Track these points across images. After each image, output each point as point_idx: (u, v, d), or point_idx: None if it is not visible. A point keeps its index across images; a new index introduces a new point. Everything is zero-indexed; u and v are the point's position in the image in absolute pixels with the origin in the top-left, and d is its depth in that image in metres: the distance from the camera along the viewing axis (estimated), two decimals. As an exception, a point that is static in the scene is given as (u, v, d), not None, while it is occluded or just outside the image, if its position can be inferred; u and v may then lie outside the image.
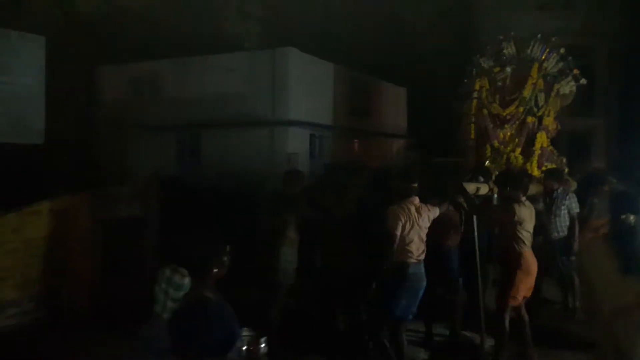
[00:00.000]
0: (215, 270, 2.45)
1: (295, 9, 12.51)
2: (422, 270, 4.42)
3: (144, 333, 2.62)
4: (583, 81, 7.61)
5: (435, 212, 4.57)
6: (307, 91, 11.66)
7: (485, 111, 7.70)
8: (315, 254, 5.52)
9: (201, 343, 2.26)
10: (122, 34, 12.12)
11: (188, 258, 2.50)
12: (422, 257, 4.44)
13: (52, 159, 9.31)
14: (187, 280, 2.47)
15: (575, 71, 7.59)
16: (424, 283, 4.43)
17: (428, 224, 4.49)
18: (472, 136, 7.83)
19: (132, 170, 10.47)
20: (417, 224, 4.36)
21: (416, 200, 4.43)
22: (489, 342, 5.04)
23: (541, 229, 5.60)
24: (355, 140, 13.42)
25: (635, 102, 14.27)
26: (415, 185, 4.44)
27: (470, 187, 5.24)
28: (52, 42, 9.00)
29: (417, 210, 4.40)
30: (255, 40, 11.52)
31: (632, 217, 4.57)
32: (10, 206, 5.31)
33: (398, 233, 4.29)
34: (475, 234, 5.12)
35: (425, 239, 4.46)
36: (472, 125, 7.83)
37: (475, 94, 7.72)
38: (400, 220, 4.30)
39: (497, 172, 6.96)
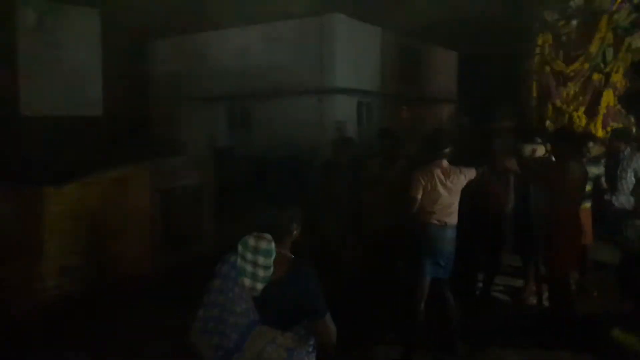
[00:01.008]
0: (295, 232, 2.48)
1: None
2: (449, 234, 4.34)
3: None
4: (660, 34, 7.09)
5: (470, 173, 4.45)
6: (354, 58, 11.46)
7: (547, 68, 7.35)
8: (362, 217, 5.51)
9: (313, 303, 2.35)
10: (171, 5, 12.13)
11: (270, 222, 2.45)
12: (451, 220, 4.35)
13: (110, 130, 9.54)
14: (274, 245, 2.41)
15: (651, 23, 7.07)
16: (451, 248, 4.36)
17: (460, 187, 4.39)
18: (535, 95, 7.49)
19: (186, 141, 10.63)
20: (441, 187, 4.28)
21: (443, 163, 4.34)
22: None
23: (601, 191, 5.34)
24: (404, 107, 13.15)
25: None
26: (443, 149, 4.36)
27: (527, 149, 5.07)
28: (106, 15, 9.10)
29: (444, 172, 4.31)
30: (303, 4, 11.29)
31: None
32: (72, 177, 5.41)
33: (418, 196, 4.27)
34: (532, 197, 4.98)
35: (455, 202, 4.37)
36: (535, 84, 7.48)
37: (537, 50, 7.34)
38: (421, 183, 4.27)
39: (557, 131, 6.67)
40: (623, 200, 5.86)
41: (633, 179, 5.78)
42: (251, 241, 2.38)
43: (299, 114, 11.28)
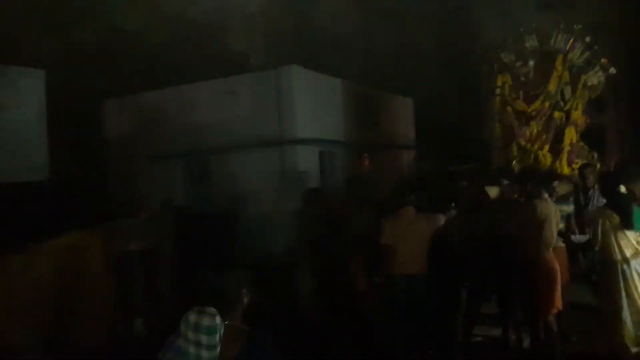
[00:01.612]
0: (245, 299, 2.25)
1: (298, 24, 12.33)
2: (418, 283, 4.23)
3: None
4: (612, 70, 7.30)
5: (438, 220, 4.40)
6: (314, 108, 11.43)
7: (509, 108, 7.41)
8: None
9: None
10: (123, 64, 11.90)
11: (216, 289, 2.23)
12: (420, 269, 4.24)
13: (58, 195, 8.97)
14: (219, 320, 2.04)
15: (604, 60, 7.28)
16: (420, 296, 4.22)
17: (428, 234, 4.31)
18: (499, 135, 7.52)
19: (142, 202, 10.14)
20: (409, 235, 4.21)
21: (410, 210, 4.31)
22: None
23: (568, 229, 5.24)
24: (366, 155, 13.09)
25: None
26: (410, 196, 4.35)
27: (493, 191, 5.02)
28: (53, 75, 8.74)
29: (412, 220, 4.28)
30: (260, 58, 11.29)
31: (622, 188, 4.77)
32: (15, 247, 4.94)
33: (388, 244, 4.23)
34: (503, 241, 4.85)
35: (423, 251, 4.28)
36: (497, 125, 7.52)
37: (497, 91, 7.42)
38: (390, 231, 4.23)
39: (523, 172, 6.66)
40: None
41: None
42: (192, 317, 2.02)
43: (259, 167, 11.02)
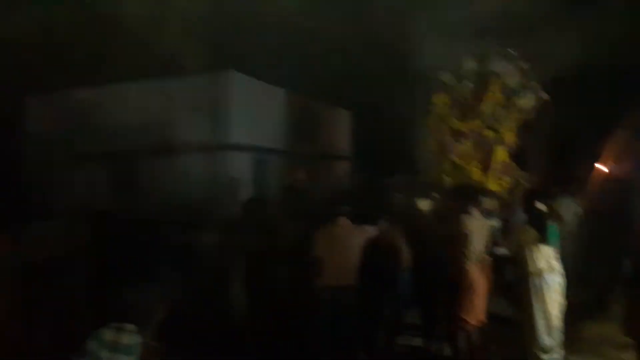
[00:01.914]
0: (161, 315, 2.07)
1: (239, 30, 12.06)
2: (349, 295, 4.22)
3: None
4: (544, 95, 7.61)
5: (370, 232, 4.46)
6: (249, 115, 11.20)
7: (444, 126, 7.56)
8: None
9: None
10: (51, 60, 11.14)
11: (131, 308, 2.04)
12: (350, 281, 4.24)
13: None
14: (138, 339, 1.81)
15: (535, 85, 7.58)
16: (350, 308, 4.23)
17: (359, 245, 4.31)
18: (433, 151, 7.66)
19: (62, 205, 9.44)
20: (341, 247, 4.20)
21: (344, 221, 4.29)
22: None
23: (494, 243, 5.36)
24: (301, 164, 12.99)
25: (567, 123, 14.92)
26: (342, 207, 4.33)
27: (423, 204, 5.08)
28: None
29: (346, 231, 4.26)
30: (196, 61, 10.89)
31: (540, 205, 4.87)
32: None
33: (320, 255, 4.18)
34: (430, 253, 4.91)
35: (354, 262, 4.27)
36: (432, 140, 7.66)
37: (435, 109, 7.56)
38: (322, 242, 4.19)
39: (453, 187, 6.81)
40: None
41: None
42: (108, 335, 1.78)
43: (190, 172, 10.59)
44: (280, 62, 13.06)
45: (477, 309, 4.58)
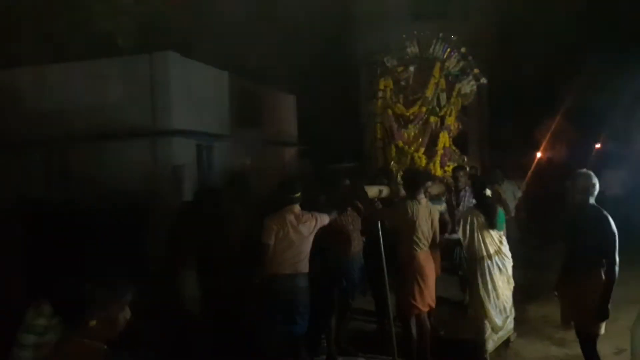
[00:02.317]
0: (107, 312, 1.90)
1: (175, 10, 11.59)
2: (301, 283, 4.21)
3: None
4: (483, 80, 7.76)
5: (323, 219, 4.41)
6: (191, 99, 10.79)
7: (389, 111, 7.58)
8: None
9: None
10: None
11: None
12: (302, 268, 4.22)
13: None
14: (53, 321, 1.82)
15: (476, 70, 7.71)
16: (303, 298, 4.22)
17: (311, 233, 4.31)
18: (379, 136, 7.66)
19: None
20: (293, 234, 4.16)
21: (295, 208, 4.26)
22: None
23: (445, 227, 5.49)
24: (246, 150, 12.76)
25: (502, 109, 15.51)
26: (294, 194, 4.29)
27: (372, 191, 5.10)
28: None
29: (297, 218, 4.21)
30: (130, 41, 10.37)
31: (487, 191, 5.17)
32: None
33: (270, 243, 4.11)
34: (381, 239, 4.95)
35: (307, 249, 4.26)
36: (378, 126, 7.66)
37: (380, 94, 7.56)
38: (274, 229, 4.13)
39: (400, 173, 6.85)
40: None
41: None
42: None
43: (129, 159, 10.13)
44: (222, 44, 12.73)
45: (427, 294, 4.63)
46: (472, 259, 5.02)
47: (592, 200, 3.95)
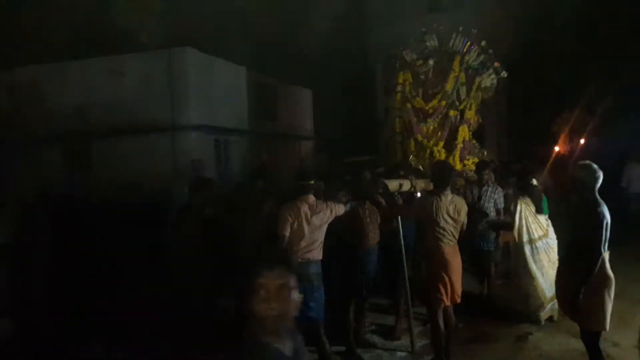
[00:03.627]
0: None
1: (195, 6, 11.64)
2: (314, 270, 4.22)
3: None
4: (504, 74, 7.66)
5: (338, 209, 4.42)
6: (209, 94, 10.89)
7: (409, 105, 7.54)
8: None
9: None
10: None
11: None
12: (315, 256, 4.24)
13: None
14: None
15: (496, 64, 7.61)
16: (316, 284, 4.21)
17: (326, 222, 4.32)
18: (398, 130, 7.63)
19: (14, 189, 8.99)
20: (306, 224, 4.17)
21: (310, 198, 4.26)
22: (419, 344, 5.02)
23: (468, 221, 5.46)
24: (263, 144, 12.83)
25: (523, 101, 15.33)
26: (309, 182, 4.29)
27: (393, 184, 5.06)
28: None
29: (311, 208, 4.22)
30: (151, 37, 10.46)
31: (534, 180, 5.80)
32: None
33: (286, 234, 4.12)
34: (400, 232, 4.94)
35: (320, 238, 4.28)
36: (397, 120, 7.63)
37: (399, 88, 7.52)
38: (288, 220, 4.14)
39: (420, 167, 6.82)
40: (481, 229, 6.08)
41: (493, 210, 6.03)
42: None
43: (148, 154, 10.26)
44: (240, 40, 12.78)
45: (452, 288, 4.58)
46: (521, 241, 5.49)
47: (591, 193, 3.86)
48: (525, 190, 5.70)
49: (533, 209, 5.56)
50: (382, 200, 5.08)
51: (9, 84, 11.06)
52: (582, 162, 4.02)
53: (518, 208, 5.50)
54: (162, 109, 10.40)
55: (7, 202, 6.80)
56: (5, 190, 8.59)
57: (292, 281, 2.03)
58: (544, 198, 5.62)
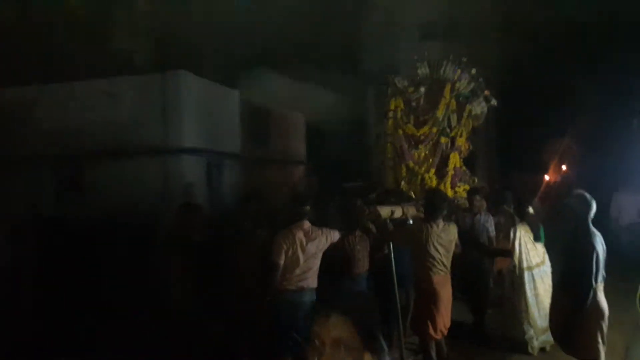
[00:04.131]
0: None
1: (190, 30, 11.77)
2: (308, 298, 4.16)
3: None
4: (494, 102, 7.76)
5: (333, 235, 4.37)
6: (202, 117, 10.91)
7: (400, 131, 7.61)
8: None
9: None
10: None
11: None
12: (309, 284, 4.18)
13: None
14: None
15: (486, 92, 7.72)
16: (311, 313, 4.10)
17: (321, 249, 4.26)
18: (389, 156, 7.68)
19: (4, 210, 8.89)
20: (302, 250, 4.10)
21: (305, 224, 4.21)
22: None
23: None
24: (256, 168, 12.83)
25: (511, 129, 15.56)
26: (304, 208, 4.24)
27: (384, 211, 5.01)
28: None
29: (306, 234, 4.16)
30: (146, 59, 10.52)
31: (530, 209, 5.83)
32: None
33: (281, 261, 4.05)
34: (392, 260, 4.90)
35: (315, 266, 4.22)
36: (389, 146, 7.68)
37: (390, 114, 7.60)
38: (283, 247, 4.06)
39: (411, 193, 6.83)
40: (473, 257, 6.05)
41: (485, 238, 6.02)
42: None
43: (140, 176, 10.22)
44: (232, 62, 12.90)
45: (440, 321, 4.48)
46: (519, 270, 5.47)
47: (584, 223, 3.85)
48: (523, 217, 5.72)
49: (531, 236, 5.56)
50: (373, 227, 5.06)
51: (2, 104, 11.03)
52: (575, 191, 4.03)
53: (517, 234, 5.50)
54: (154, 132, 10.39)
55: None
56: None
57: (349, 337, 1.93)
58: (541, 226, 5.63)
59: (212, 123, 11.28)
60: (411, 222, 5.09)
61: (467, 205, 6.09)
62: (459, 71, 7.55)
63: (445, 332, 4.59)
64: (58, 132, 10.49)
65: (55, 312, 5.62)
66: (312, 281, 4.19)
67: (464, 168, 7.81)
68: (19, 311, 5.65)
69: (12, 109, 10.94)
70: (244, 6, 11.42)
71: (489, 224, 6.03)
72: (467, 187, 7.18)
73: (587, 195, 3.89)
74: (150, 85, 10.64)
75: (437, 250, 4.41)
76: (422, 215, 4.95)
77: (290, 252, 4.08)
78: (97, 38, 10.27)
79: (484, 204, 6.05)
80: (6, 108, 10.95)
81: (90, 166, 10.62)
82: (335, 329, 1.87)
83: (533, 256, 5.52)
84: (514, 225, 5.71)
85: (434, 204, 4.55)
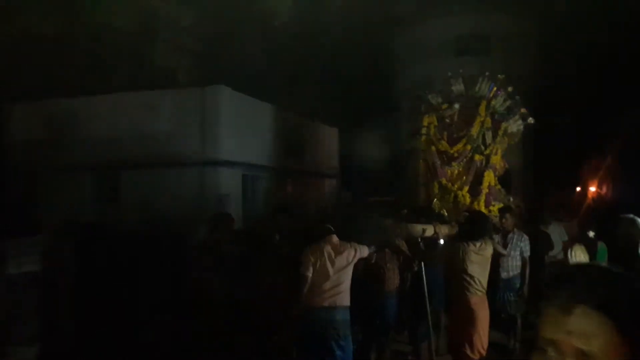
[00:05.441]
0: None
1: (230, 46, 12.08)
2: (341, 317, 4.06)
3: None
4: (531, 120, 7.62)
5: (363, 251, 4.31)
6: (239, 130, 11.15)
7: (433, 148, 7.54)
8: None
9: None
10: (33, 68, 10.98)
11: None
12: (342, 301, 4.09)
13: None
14: None
15: (523, 110, 7.59)
16: (343, 333, 4.05)
17: (351, 264, 4.20)
18: (422, 173, 7.63)
19: (43, 217, 9.24)
20: (331, 264, 4.07)
21: (334, 238, 4.20)
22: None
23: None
24: (290, 181, 12.97)
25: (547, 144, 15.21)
26: (332, 223, 4.27)
27: (416, 229, 4.96)
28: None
29: (334, 249, 4.13)
30: (187, 75, 10.85)
31: (591, 233, 5.47)
32: None
33: (309, 274, 4.02)
34: (424, 277, 4.86)
35: (346, 281, 4.15)
36: (421, 162, 7.63)
37: (423, 130, 7.56)
38: (310, 259, 4.05)
39: (443, 211, 6.76)
40: (506, 277, 5.93)
41: (519, 258, 5.89)
42: None
43: (177, 187, 10.48)
44: (271, 78, 13.13)
45: (477, 341, 4.36)
46: None
47: (635, 249, 3.72)
48: (583, 240, 5.36)
49: (587, 257, 5.29)
50: (404, 246, 5.02)
51: (47, 114, 11.51)
52: (624, 215, 3.88)
53: (574, 253, 5.12)
54: (192, 144, 10.66)
55: (39, 230, 7.00)
56: (37, 219, 8.84)
57: None
58: (601, 247, 5.23)
59: (248, 136, 11.49)
60: (442, 241, 5.05)
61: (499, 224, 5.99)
62: (495, 88, 7.45)
63: (484, 352, 4.50)
64: (98, 142, 10.88)
65: (92, 318, 5.77)
66: (344, 298, 4.12)
67: (498, 186, 7.67)
68: (59, 316, 5.83)
69: (59, 119, 11.41)
70: (280, 22, 11.65)
71: (524, 244, 5.89)
72: (501, 205, 7.05)
73: (636, 218, 3.76)
74: (189, 98, 10.97)
75: (474, 269, 4.32)
76: (454, 233, 4.90)
77: (318, 265, 4.06)
78: (140, 53, 10.65)
79: (511, 222, 5.91)
80: (54, 118, 11.42)
81: (128, 175, 10.97)
82: None
83: None
84: (550, 246, 5.54)
85: (477, 225, 4.46)
